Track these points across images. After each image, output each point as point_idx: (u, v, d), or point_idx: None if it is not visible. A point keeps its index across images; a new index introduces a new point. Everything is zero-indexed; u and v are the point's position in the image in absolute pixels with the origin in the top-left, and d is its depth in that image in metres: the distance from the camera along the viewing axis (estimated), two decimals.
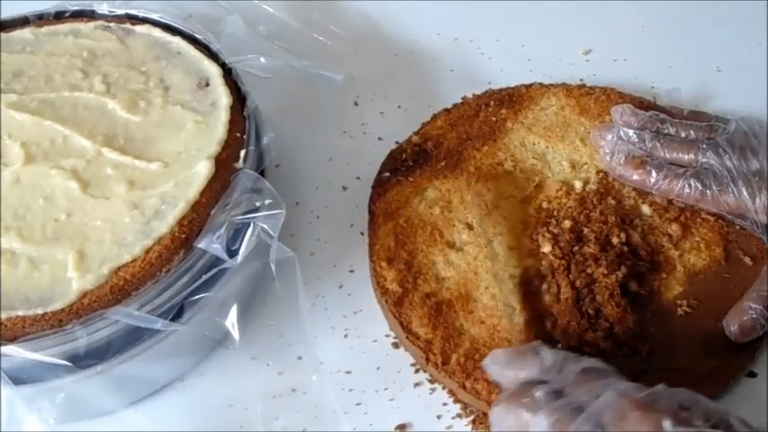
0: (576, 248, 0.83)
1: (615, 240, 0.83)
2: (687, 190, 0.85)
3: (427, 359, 0.80)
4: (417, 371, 0.82)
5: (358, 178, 0.97)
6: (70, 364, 0.72)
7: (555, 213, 0.86)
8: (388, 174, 0.94)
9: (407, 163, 0.95)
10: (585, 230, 0.84)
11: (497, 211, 0.88)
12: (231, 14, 0.97)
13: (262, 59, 0.92)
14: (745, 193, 0.84)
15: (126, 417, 0.80)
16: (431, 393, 0.81)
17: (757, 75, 1.01)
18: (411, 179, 0.93)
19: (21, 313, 0.73)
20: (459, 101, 1.01)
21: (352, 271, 0.89)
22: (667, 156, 0.88)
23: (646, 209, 0.87)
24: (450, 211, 0.89)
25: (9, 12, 0.99)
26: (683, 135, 0.90)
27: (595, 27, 1.10)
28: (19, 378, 0.72)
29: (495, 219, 0.87)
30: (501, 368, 0.71)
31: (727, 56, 1.05)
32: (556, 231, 0.84)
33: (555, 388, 0.66)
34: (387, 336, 0.84)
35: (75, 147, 0.83)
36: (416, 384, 0.81)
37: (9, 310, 0.73)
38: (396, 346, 0.84)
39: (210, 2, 1.02)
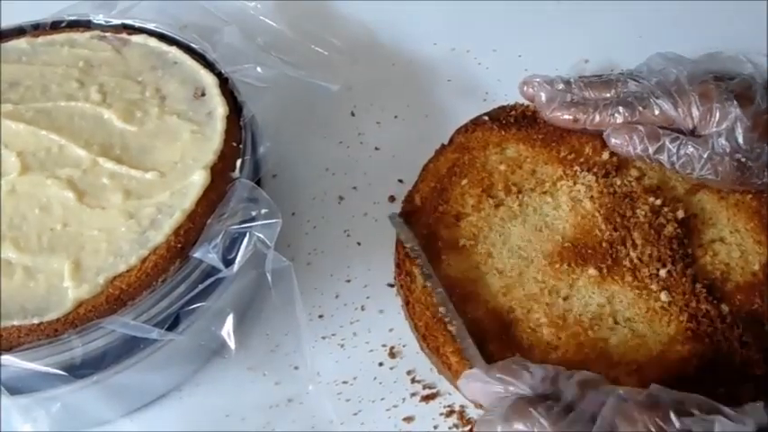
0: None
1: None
2: (617, 116, 0.90)
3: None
4: (414, 380, 0.82)
5: (354, 188, 0.97)
6: (66, 373, 0.72)
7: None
8: (487, 118, 0.97)
9: (510, 119, 0.97)
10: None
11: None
12: (227, 24, 0.97)
13: (258, 69, 0.92)
14: (667, 104, 0.88)
15: (122, 427, 0.80)
16: (427, 403, 0.80)
17: None
18: (503, 132, 0.95)
19: (16, 323, 0.72)
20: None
21: (348, 281, 0.89)
22: (593, 95, 0.93)
23: None
24: (513, 173, 0.91)
25: (5, 22, 0.99)
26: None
27: (592, 37, 1.10)
28: (15, 388, 0.72)
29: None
30: (484, 384, 0.70)
31: None
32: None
33: (567, 401, 0.66)
34: (383, 345, 0.84)
35: (71, 156, 0.83)
36: (413, 394, 0.81)
37: (5, 319, 0.73)
38: (392, 355, 0.84)
39: (206, 12, 1.02)
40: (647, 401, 0.64)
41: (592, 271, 0.83)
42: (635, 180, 0.89)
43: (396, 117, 1.04)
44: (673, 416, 0.62)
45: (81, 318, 0.73)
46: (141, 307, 0.74)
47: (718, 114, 0.85)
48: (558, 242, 0.86)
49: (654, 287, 0.81)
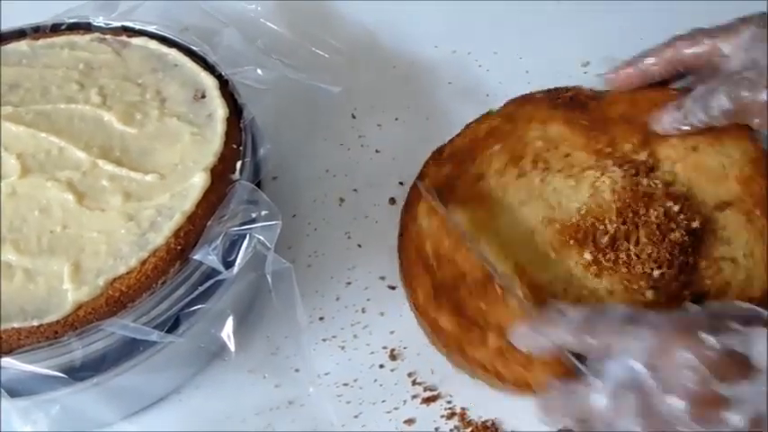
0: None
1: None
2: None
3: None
4: (415, 383, 0.82)
5: (355, 190, 0.97)
6: (66, 376, 0.72)
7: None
8: (540, 95, 0.98)
9: (562, 100, 0.97)
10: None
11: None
12: (227, 27, 0.97)
13: (258, 71, 0.92)
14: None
15: (122, 429, 0.80)
16: (428, 405, 0.80)
17: None
18: (551, 110, 0.95)
19: (16, 325, 0.72)
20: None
21: (349, 283, 0.89)
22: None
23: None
24: (547, 151, 0.91)
25: (5, 24, 0.99)
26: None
27: (593, 39, 1.10)
28: (14, 390, 0.72)
29: None
30: (532, 337, 0.73)
31: None
32: None
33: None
34: (384, 348, 0.84)
35: (71, 158, 0.83)
36: (414, 396, 0.81)
37: (4, 321, 0.72)
38: (393, 357, 0.83)
39: (206, 14, 1.02)
40: (680, 327, 0.64)
41: (587, 255, 0.83)
42: (662, 184, 0.87)
43: (396, 119, 1.04)
44: (704, 336, 0.62)
45: (81, 320, 0.73)
46: (141, 309, 0.74)
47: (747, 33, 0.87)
48: (565, 221, 0.86)
49: (642, 284, 0.81)
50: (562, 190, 0.88)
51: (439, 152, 0.93)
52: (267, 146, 0.88)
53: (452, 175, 0.90)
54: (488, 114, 0.96)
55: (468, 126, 0.95)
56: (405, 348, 0.84)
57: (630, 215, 0.84)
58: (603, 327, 0.69)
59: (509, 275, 0.81)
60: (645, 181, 0.87)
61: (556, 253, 0.84)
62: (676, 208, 0.85)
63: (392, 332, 0.85)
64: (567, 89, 0.98)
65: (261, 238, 0.78)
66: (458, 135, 0.94)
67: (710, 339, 0.62)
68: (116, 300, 0.74)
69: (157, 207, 0.79)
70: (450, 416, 0.80)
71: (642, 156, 0.90)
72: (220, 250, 0.76)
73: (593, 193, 0.87)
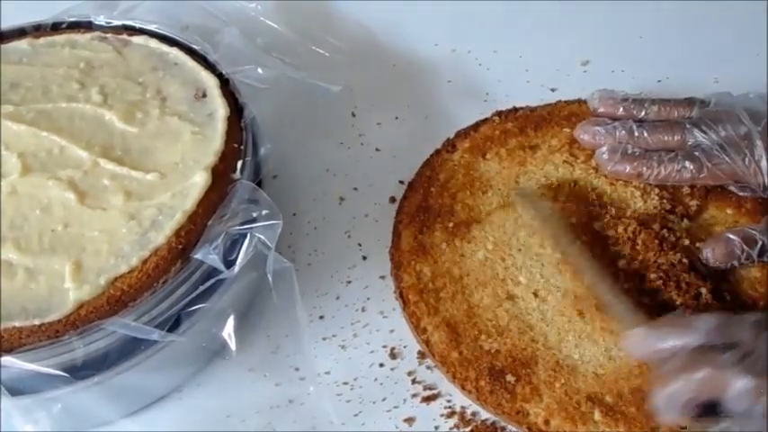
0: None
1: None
2: (684, 171, 0.87)
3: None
4: (415, 381, 0.82)
5: (355, 189, 0.97)
6: (67, 374, 0.72)
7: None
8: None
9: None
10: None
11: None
12: (228, 26, 0.97)
13: (259, 70, 0.92)
14: (737, 159, 0.85)
15: (123, 428, 0.80)
16: (428, 404, 0.80)
17: (755, 86, 1.01)
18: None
19: (18, 324, 0.72)
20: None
21: (349, 282, 0.89)
22: (655, 141, 0.89)
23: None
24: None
25: (6, 23, 0.99)
26: (664, 114, 0.91)
27: (593, 38, 1.10)
28: (16, 389, 0.72)
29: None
30: (654, 341, 0.72)
31: (724, 67, 1.05)
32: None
33: (746, 345, 0.67)
34: (384, 347, 0.84)
35: (72, 157, 0.83)
36: (414, 395, 0.81)
37: (6, 320, 0.72)
38: (393, 356, 0.84)
39: (207, 13, 1.02)
40: None
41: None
42: (686, 234, 0.85)
43: (396, 118, 1.04)
44: None
45: (82, 319, 0.73)
46: (142, 308, 0.74)
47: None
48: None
49: None
50: (595, 185, 0.90)
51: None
52: (267, 145, 0.88)
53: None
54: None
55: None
56: (404, 347, 0.84)
57: (631, 235, 0.84)
58: (743, 331, 0.68)
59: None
60: (674, 218, 0.86)
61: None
62: (676, 258, 0.83)
63: (392, 331, 0.85)
64: None
65: (261, 237, 0.78)
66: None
67: None
68: (117, 299, 0.74)
69: (158, 206, 0.79)
70: (450, 415, 0.80)
71: (691, 202, 0.88)
72: (221, 249, 0.77)
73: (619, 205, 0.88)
